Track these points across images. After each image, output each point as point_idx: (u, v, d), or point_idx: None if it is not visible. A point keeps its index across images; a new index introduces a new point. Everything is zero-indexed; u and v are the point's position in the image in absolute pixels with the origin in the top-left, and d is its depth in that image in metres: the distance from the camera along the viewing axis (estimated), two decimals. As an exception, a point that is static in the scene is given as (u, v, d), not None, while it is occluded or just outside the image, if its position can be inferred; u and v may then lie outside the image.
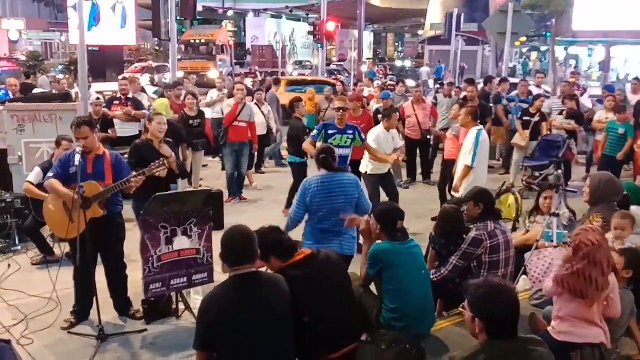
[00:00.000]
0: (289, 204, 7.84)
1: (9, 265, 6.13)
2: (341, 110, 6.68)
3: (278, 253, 3.66)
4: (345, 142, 6.55)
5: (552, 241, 4.90)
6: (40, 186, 5.93)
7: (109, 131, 8.59)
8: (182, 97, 9.81)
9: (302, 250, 3.78)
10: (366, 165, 7.44)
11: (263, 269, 4.02)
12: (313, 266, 3.67)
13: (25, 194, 6.15)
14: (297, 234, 4.60)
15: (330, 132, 6.56)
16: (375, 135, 7.51)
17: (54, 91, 12.46)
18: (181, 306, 5.11)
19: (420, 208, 8.06)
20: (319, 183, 4.93)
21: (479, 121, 6.75)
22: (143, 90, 11.10)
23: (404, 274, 4.09)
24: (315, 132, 6.67)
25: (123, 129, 8.93)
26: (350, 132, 6.61)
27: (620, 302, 3.90)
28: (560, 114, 10.15)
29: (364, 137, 6.85)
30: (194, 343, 3.27)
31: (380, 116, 9.99)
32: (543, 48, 42.79)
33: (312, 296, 3.53)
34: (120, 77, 10.90)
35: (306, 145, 6.77)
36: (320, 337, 3.58)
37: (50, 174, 4.87)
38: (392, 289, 4.11)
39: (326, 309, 3.61)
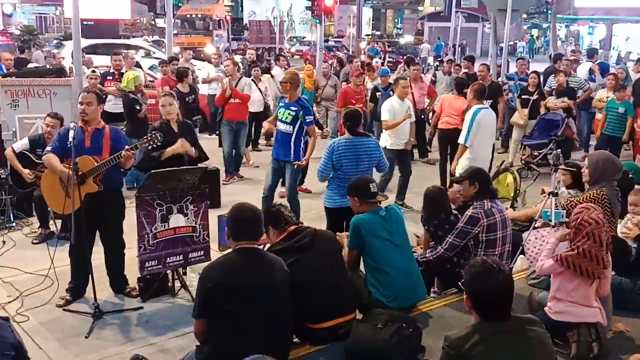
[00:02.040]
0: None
1: (4, 242, 6.10)
2: (285, 84, 6.49)
3: (275, 225, 3.99)
4: (286, 117, 6.35)
5: (550, 220, 4.88)
6: (23, 155, 6.22)
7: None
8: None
9: (289, 227, 3.99)
10: (385, 140, 7.47)
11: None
12: (297, 238, 3.89)
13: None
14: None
15: (280, 104, 6.55)
16: (390, 105, 7.48)
17: (47, 66, 12.29)
18: (177, 284, 5.10)
19: (417, 186, 8.02)
20: (345, 146, 5.30)
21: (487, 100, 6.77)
22: (138, 66, 10.95)
23: (384, 245, 4.16)
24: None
25: (116, 105, 8.83)
26: (294, 108, 6.34)
27: (609, 281, 3.91)
28: (551, 94, 10.07)
29: (310, 119, 6.44)
30: (193, 311, 3.34)
31: (378, 94, 9.92)
32: (544, 25, 42.42)
33: (292, 266, 3.64)
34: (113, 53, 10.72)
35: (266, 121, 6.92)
36: (303, 307, 3.68)
37: (48, 148, 4.83)
38: (373, 262, 4.20)
39: (307, 279, 3.72)
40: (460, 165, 6.37)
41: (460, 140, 6.45)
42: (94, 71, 8.63)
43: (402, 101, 7.54)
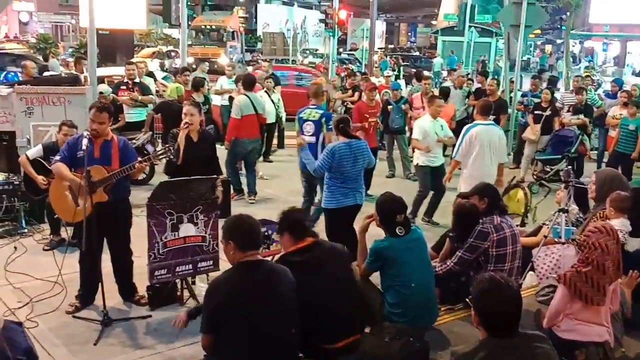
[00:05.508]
0: None
1: (15, 248, 6.16)
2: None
3: (292, 231, 3.79)
4: (314, 116, 6.65)
5: (560, 237, 4.85)
6: (36, 162, 6.28)
7: (119, 117, 8.59)
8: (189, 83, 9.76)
9: (307, 238, 3.80)
10: (417, 157, 7.55)
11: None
12: (315, 253, 3.72)
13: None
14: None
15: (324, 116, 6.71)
16: (421, 124, 7.51)
17: (63, 74, 12.44)
18: (186, 293, 5.11)
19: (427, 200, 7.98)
20: (344, 148, 5.55)
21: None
22: (151, 75, 11.06)
23: (405, 270, 4.08)
24: (297, 124, 6.83)
25: (129, 114, 8.92)
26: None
27: (619, 297, 3.87)
28: (568, 110, 10.05)
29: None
30: (200, 327, 3.30)
31: (390, 107, 9.94)
32: (558, 41, 42.32)
33: (310, 283, 3.53)
34: (126, 62, 10.84)
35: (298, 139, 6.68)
36: (317, 327, 3.58)
37: (57, 157, 4.88)
38: (393, 285, 4.12)
39: (324, 297, 3.62)
40: (466, 183, 6.32)
41: (453, 154, 6.72)
42: (101, 92, 8.68)
43: (434, 120, 7.50)
